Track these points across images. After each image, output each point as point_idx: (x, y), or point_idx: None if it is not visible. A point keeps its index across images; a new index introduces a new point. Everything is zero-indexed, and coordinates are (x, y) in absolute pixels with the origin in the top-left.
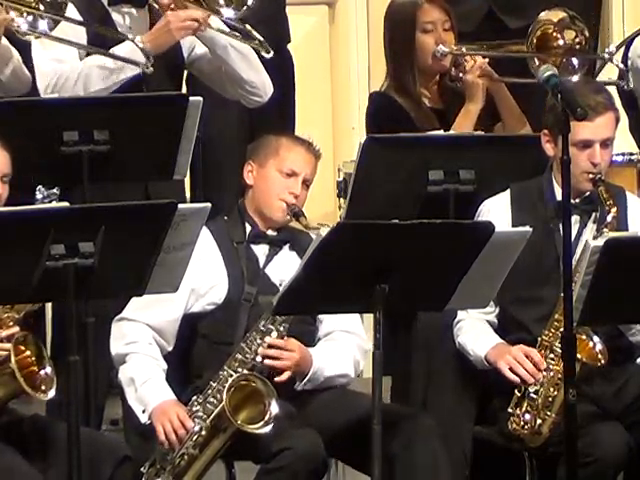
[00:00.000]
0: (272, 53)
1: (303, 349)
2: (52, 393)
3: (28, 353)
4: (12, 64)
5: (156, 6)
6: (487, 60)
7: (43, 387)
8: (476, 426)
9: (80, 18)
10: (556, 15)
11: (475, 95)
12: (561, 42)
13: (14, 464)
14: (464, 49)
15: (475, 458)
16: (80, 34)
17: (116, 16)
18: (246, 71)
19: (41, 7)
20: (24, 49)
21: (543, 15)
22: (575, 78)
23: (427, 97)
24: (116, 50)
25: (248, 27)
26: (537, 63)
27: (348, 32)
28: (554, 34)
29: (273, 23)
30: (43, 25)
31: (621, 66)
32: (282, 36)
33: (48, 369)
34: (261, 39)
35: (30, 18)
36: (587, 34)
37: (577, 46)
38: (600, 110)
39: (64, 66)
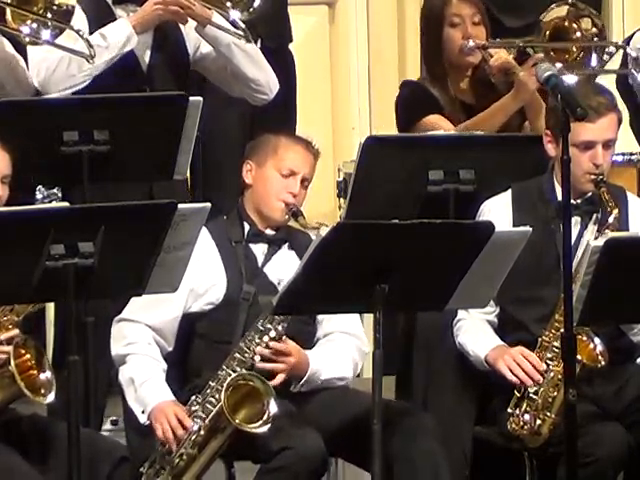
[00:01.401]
0: (253, 42)
1: (300, 352)
2: (51, 397)
3: (28, 356)
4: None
5: None
6: (510, 56)
7: (42, 391)
8: (476, 426)
9: (84, 17)
10: (560, 11)
11: (521, 94)
12: (578, 34)
13: (14, 464)
14: (485, 43)
15: (475, 458)
16: (82, 25)
17: (121, 13)
18: (250, 69)
19: (48, 15)
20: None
21: (547, 16)
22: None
23: (459, 91)
24: (110, 28)
25: (232, 14)
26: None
27: (348, 32)
28: (569, 25)
29: (275, 22)
30: (46, 34)
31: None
32: (284, 36)
33: (48, 373)
34: (243, 27)
35: (35, 25)
36: (597, 12)
37: (595, 37)
38: (602, 111)
39: (54, 53)
